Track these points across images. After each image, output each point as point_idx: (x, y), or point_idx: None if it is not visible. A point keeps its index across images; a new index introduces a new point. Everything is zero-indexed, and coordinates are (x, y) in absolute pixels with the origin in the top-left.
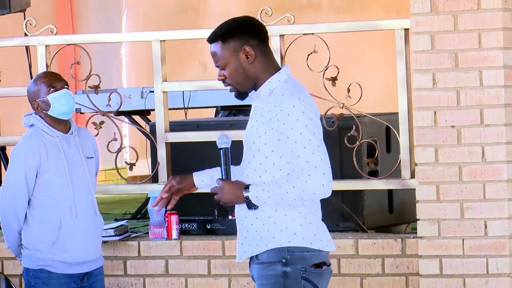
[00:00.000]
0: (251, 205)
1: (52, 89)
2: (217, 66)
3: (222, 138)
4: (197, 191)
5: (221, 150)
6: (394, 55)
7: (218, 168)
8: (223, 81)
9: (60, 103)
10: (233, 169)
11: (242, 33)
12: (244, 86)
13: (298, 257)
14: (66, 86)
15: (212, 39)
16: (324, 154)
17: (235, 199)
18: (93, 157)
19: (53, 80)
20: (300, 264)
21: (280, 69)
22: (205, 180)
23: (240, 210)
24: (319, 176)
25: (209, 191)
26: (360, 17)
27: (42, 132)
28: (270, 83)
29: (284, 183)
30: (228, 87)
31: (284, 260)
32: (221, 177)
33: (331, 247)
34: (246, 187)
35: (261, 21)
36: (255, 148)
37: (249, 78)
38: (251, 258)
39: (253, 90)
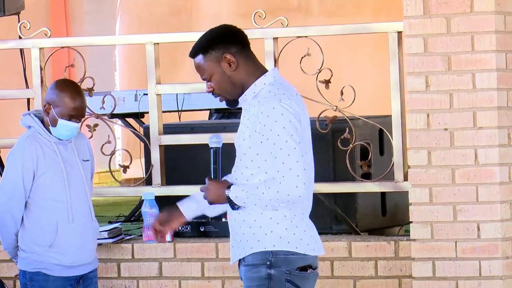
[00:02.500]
0: (233, 205)
1: (67, 117)
2: (204, 79)
3: (213, 138)
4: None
5: (212, 150)
6: (385, 58)
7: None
8: (212, 92)
9: (65, 130)
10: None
11: (221, 42)
12: (232, 94)
13: (282, 260)
14: (80, 119)
15: (193, 54)
16: (301, 156)
17: (219, 198)
18: (89, 160)
19: (74, 111)
20: (285, 267)
21: (267, 71)
22: (192, 207)
23: (230, 213)
24: (293, 178)
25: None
26: (350, 20)
27: (39, 135)
28: (256, 86)
29: (261, 184)
30: (218, 98)
31: (268, 263)
32: (210, 177)
33: (318, 251)
34: (229, 186)
35: (254, 24)
36: (241, 151)
37: (235, 85)
38: (240, 260)
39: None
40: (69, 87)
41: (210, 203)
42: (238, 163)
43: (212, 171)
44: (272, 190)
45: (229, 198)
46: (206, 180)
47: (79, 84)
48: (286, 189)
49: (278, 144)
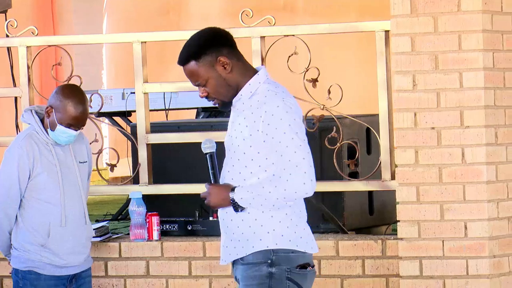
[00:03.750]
0: (237, 207)
1: (67, 125)
2: (197, 85)
3: (206, 143)
4: (176, 192)
5: (207, 155)
6: (371, 57)
7: None
8: (207, 97)
9: (63, 136)
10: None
11: (212, 45)
12: (228, 96)
13: (283, 258)
14: (80, 127)
15: (184, 61)
16: (307, 153)
17: (222, 202)
18: (86, 162)
19: (75, 121)
20: (285, 265)
21: (257, 71)
22: None
23: (225, 213)
24: (300, 175)
25: (189, 193)
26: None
27: (36, 135)
28: (251, 86)
29: (267, 183)
30: (212, 102)
31: (269, 261)
32: (210, 182)
33: (315, 249)
34: (232, 189)
35: (241, 22)
36: (240, 151)
37: (231, 87)
38: (235, 260)
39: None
40: (73, 95)
41: (213, 208)
42: (235, 163)
43: (211, 176)
44: (279, 189)
45: (234, 200)
46: (206, 185)
47: (65, 82)
48: (293, 186)
49: (284, 142)
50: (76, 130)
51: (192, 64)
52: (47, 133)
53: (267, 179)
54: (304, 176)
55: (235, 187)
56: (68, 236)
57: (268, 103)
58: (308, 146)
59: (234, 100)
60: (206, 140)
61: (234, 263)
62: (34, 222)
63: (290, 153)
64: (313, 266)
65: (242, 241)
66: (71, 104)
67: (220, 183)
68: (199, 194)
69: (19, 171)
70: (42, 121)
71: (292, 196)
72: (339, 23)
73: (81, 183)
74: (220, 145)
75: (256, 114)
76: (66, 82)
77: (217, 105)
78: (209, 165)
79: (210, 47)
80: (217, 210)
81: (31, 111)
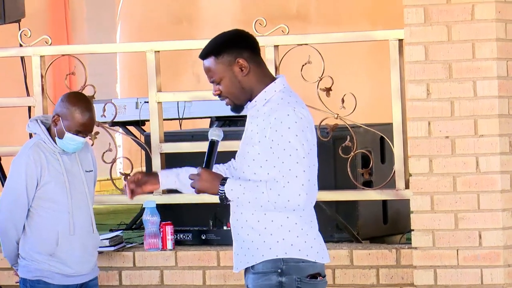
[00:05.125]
0: (223, 199)
1: (75, 132)
2: (212, 82)
3: (215, 130)
4: (190, 201)
5: (210, 140)
6: (383, 66)
7: (188, 167)
8: (219, 95)
9: (71, 144)
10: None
11: (234, 46)
12: (240, 99)
13: (293, 267)
14: (88, 134)
15: (204, 55)
16: (308, 167)
17: (209, 189)
18: (92, 171)
19: (82, 128)
20: (295, 274)
21: (275, 79)
22: (171, 179)
23: (236, 221)
24: (297, 186)
25: (204, 202)
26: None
27: (43, 144)
28: (266, 93)
29: (262, 183)
30: (224, 101)
31: (279, 270)
32: (203, 166)
33: (326, 259)
34: (224, 179)
35: (254, 31)
36: (250, 157)
37: (245, 90)
38: (246, 268)
39: (249, 102)
40: (80, 102)
41: (197, 191)
42: (245, 169)
43: (205, 161)
44: (273, 192)
45: (222, 190)
46: (198, 168)
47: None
48: (287, 194)
49: (287, 150)
50: (84, 137)
51: (211, 59)
52: (54, 142)
53: (264, 180)
54: (301, 188)
55: (227, 178)
56: (76, 244)
57: (279, 111)
58: (312, 159)
59: (249, 107)
60: (216, 128)
61: (245, 272)
62: (42, 231)
63: (292, 163)
64: (324, 276)
65: (252, 250)
66: (78, 111)
67: None
68: (213, 204)
69: (27, 180)
70: (48, 130)
71: (284, 203)
72: (353, 32)
73: (88, 191)
74: (231, 154)
75: (266, 121)
76: (79, 91)
77: (228, 106)
78: (208, 151)
79: (231, 47)
80: (228, 219)
81: (37, 120)
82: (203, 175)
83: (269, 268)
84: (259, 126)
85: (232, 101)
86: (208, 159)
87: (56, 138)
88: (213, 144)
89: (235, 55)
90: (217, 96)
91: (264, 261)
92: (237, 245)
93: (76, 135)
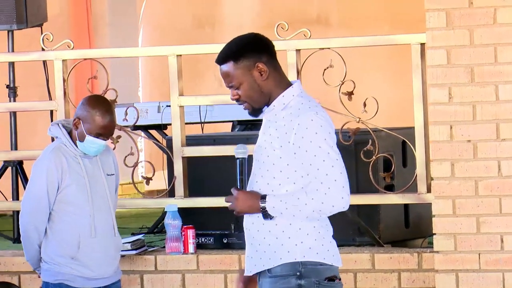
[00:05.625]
0: (266, 216)
1: (96, 135)
2: (230, 87)
3: (239, 148)
4: (211, 205)
5: (238, 160)
6: (402, 69)
7: None
8: (237, 100)
9: (92, 147)
10: None
11: (253, 50)
12: (259, 103)
13: (311, 270)
14: (108, 137)
15: (222, 60)
16: (343, 167)
17: (250, 209)
18: (113, 174)
19: (103, 130)
20: (314, 277)
21: (292, 83)
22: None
23: (251, 224)
24: (338, 189)
25: (225, 206)
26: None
27: (65, 148)
28: (284, 98)
29: (302, 194)
30: (242, 105)
31: (298, 273)
32: (237, 187)
33: (339, 263)
34: (263, 197)
35: (276, 35)
36: (269, 162)
37: (264, 94)
38: (261, 272)
39: (266, 106)
40: (100, 105)
41: (237, 214)
42: (264, 173)
43: (238, 182)
44: (316, 202)
45: (265, 208)
46: (233, 190)
47: (101, 94)
48: (331, 200)
49: (320, 155)
50: (105, 140)
51: (230, 65)
52: (75, 145)
53: (301, 191)
54: (342, 190)
55: (265, 195)
56: (98, 247)
57: (301, 116)
58: (342, 161)
59: (266, 111)
60: (240, 145)
61: (259, 275)
62: (64, 234)
63: (327, 167)
64: (339, 279)
65: (269, 253)
66: (99, 114)
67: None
68: None
69: (48, 184)
70: (69, 133)
71: (329, 209)
72: (375, 35)
73: (110, 195)
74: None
75: (289, 126)
76: (101, 95)
77: (247, 110)
78: (238, 170)
79: (250, 52)
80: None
81: (58, 124)
82: (240, 197)
83: (287, 271)
84: (278, 130)
85: (251, 105)
86: (241, 179)
87: (77, 141)
88: (241, 163)
89: (255, 59)
90: (235, 101)
91: (282, 264)
92: (251, 248)
93: (97, 138)
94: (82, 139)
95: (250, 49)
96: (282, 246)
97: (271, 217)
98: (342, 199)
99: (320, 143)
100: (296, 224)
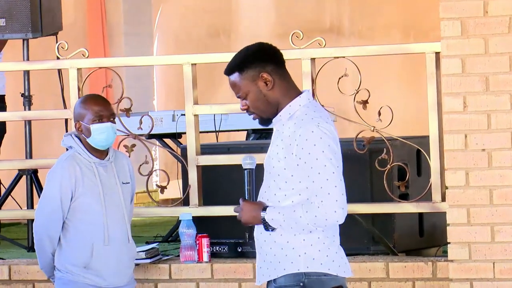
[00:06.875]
0: (268, 227)
1: (96, 119)
2: (238, 97)
3: (246, 159)
4: (226, 214)
5: (245, 171)
6: (416, 78)
7: None
8: (247, 110)
9: (101, 135)
10: None
11: (257, 60)
12: (267, 113)
13: (315, 281)
14: (112, 118)
15: (229, 71)
16: (339, 181)
17: (254, 220)
18: (129, 183)
19: (100, 110)
20: None
21: (301, 93)
22: None
23: (259, 234)
24: (332, 203)
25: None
26: (381, 41)
27: (79, 156)
28: (291, 107)
29: (298, 207)
30: (252, 116)
31: (301, 284)
32: (244, 197)
33: (348, 273)
34: (264, 208)
35: (291, 44)
36: (275, 172)
37: (270, 104)
38: (269, 281)
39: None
40: (87, 96)
41: (244, 224)
42: (271, 184)
43: (246, 192)
44: (310, 215)
45: (265, 220)
46: (240, 200)
47: (116, 104)
48: (324, 214)
49: (316, 168)
50: (110, 122)
51: (236, 75)
52: (90, 153)
53: (300, 203)
54: (335, 204)
55: (267, 206)
56: (111, 255)
57: (303, 127)
58: (341, 173)
59: (274, 120)
60: (247, 156)
61: (267, 285)
62: (77, 243)
63: (322, 180)
64: None
65: (274, 263)
66: (89, 101)
67: (257, 200)
68: None
69: (61, 193)
70: (82, 143)
71: (322, 222)
72: (389, 44)
73: (124, 203)
74: (259, 166)
75: (292, 137)
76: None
77: (256, 120)
78: (245, 181)
79: (254, 62)
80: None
81: (71, 135)
82: (244, 207)
83: (291, 282)
84: (284, 141)
85: (259, 115)
86: (248, 190)
87: (88, 139)
88: (249, 173)
89: (259, 69)
90: (245, 111)
91: (286, 275)
92: (260, 258)
93: (100, 122)
94: (88, 134)
95: (255, 59)
96: (286, 256)
97: (272, 229)
98: (335, 212)
99: (317, 155)
100: (300, 235)
